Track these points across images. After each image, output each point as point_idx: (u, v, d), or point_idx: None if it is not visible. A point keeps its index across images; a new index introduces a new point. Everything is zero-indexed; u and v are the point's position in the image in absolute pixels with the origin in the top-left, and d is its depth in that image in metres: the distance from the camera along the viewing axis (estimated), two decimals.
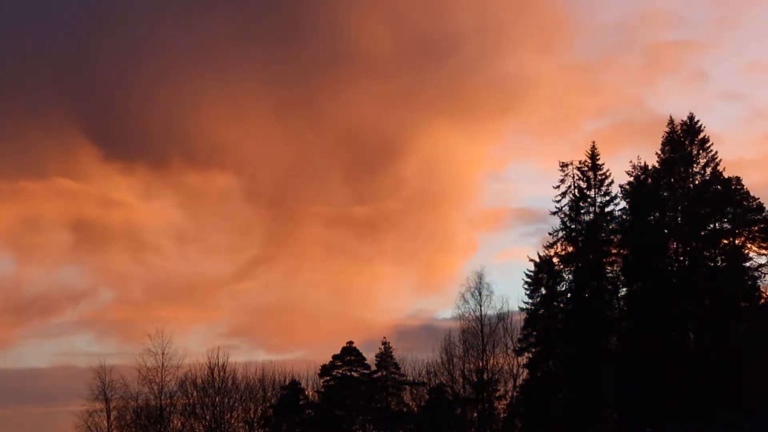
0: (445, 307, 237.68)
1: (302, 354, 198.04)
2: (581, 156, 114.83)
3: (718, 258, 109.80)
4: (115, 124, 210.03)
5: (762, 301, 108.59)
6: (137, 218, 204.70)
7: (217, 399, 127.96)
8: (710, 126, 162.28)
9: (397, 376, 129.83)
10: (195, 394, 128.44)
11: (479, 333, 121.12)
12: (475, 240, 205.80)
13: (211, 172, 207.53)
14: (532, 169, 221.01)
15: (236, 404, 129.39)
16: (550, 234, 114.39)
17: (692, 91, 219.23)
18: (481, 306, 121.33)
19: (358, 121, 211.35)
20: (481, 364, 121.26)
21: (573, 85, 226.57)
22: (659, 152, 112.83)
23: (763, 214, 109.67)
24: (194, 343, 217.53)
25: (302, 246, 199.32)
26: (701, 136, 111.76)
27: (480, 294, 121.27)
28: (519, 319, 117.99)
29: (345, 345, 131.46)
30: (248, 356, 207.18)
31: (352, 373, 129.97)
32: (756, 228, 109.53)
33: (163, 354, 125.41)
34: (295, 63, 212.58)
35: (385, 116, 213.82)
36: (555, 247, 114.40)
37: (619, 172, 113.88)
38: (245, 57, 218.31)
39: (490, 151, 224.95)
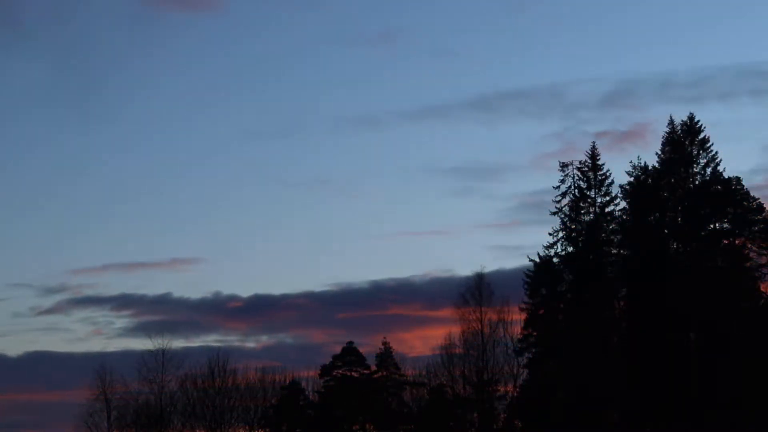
0: None
1: None
2: None
3: (718, 258, 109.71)
4: None
5: (762, 301, 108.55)
6: None
7: (217, 399, 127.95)
8: None
9: (397, 376, 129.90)
10: (195, 394, 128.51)
11: (479, 333, 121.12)
12: None
13: None
14: None
15: (236, 404, 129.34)
16: (550, 234, 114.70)
17: None
18: (481, 306, 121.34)
19: None
20: (481, 363, 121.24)
21: None
22: (659, 152, 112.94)
23: (763, 215, 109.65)
24: None
25: None
26: (701, 136, 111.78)
27: (480, 294, 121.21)
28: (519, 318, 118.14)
29: (345, 345, 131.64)
30: None
31: (352, 373, 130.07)
32: (756, 228, 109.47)
33: (163, 354, 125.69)
34: None
35: None
36: (555, 247, 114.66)
37: None
38: None
39: None
